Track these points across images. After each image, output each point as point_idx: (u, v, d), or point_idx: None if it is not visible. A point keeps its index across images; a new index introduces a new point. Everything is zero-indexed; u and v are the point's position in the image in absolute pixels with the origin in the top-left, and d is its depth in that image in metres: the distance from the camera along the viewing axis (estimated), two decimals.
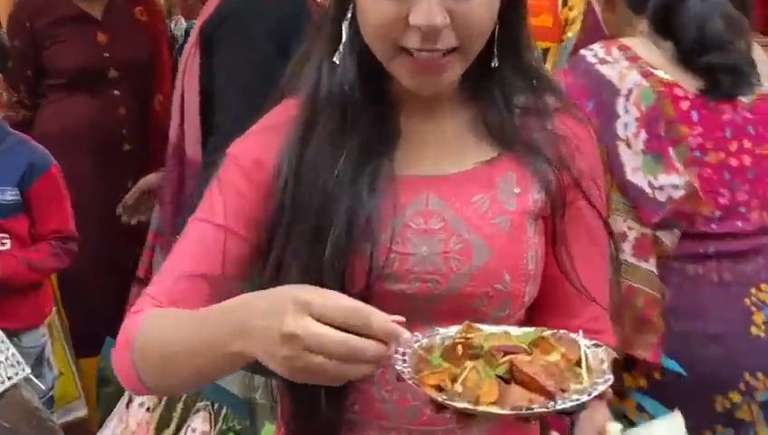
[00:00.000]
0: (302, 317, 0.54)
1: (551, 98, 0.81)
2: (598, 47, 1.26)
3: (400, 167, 0.78)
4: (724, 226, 1.21)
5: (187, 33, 2.92)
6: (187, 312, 0.69)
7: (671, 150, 1.19)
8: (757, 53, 1.28)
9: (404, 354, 0.63)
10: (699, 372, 1.14)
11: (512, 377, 0.61)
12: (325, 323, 0.54)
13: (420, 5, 0.68)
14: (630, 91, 1.20)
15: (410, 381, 0.61)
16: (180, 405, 1.59)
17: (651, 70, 1.21)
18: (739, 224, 1.22)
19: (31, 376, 1.55)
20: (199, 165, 1.71)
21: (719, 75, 1.19)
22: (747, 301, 1.19)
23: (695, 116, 1.21)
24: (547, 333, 0.67)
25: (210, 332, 0.63)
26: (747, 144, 1.22)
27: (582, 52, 1.29)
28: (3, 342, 1.50)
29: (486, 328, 0.67)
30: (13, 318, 1.78)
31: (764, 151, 1.23)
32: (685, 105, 1.20)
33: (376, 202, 0.73)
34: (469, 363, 0.62)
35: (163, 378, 0.72)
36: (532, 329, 0.69)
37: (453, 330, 0.67)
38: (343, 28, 0.76)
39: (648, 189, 1.17)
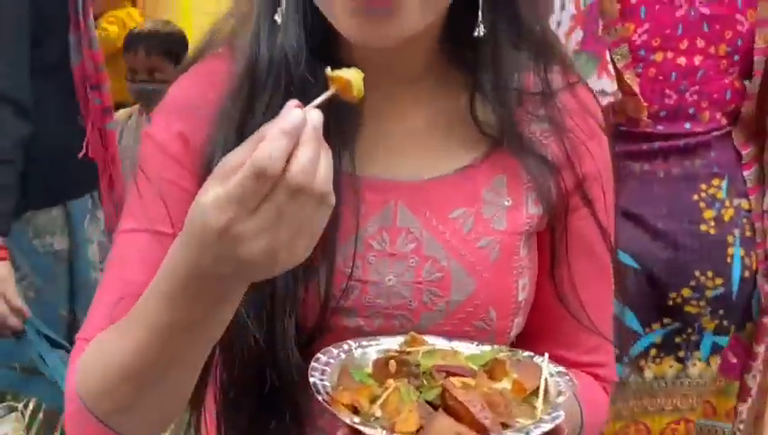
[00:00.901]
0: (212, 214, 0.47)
1: (557, 75, 0.69)
2: None
3: (361, 166, 0.66)
4: (671, 127, 1.23)
5: None
6: (127, 317, 0.57)
7: (608, 53, 1.20)
8: None
9: (326, 364, 0.57)
10: (651, 270, 1.20)
11: (443, 404, 0.55)
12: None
13: None
14: None
15: (320, 397, 0.54)
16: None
17: None
18: (687, 126, 1.23)
19: None
20: None
21: None
22: (696, 196, 1.21)
23: (643, 12, 1.20)
24: (503, 354, 0.61)
25: (166, 309, 0.53)
26: (700, 43, 1.21)
27: None
28: None
29: (434, 341, 0.62)
30: None
31: (719, 51, 1.21)
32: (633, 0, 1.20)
33: (336, 209, 0.57)
34: (391, 383, 0.55)
35: (140, 405, 0.59)
36: (489, 348, 0.63)
37: (396, 341, 0.61)
38: None
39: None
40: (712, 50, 1.22)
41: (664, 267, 1.23)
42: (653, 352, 1.26)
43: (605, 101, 1.19)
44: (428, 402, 0.55)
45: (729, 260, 1.23)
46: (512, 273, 0.67)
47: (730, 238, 1.24)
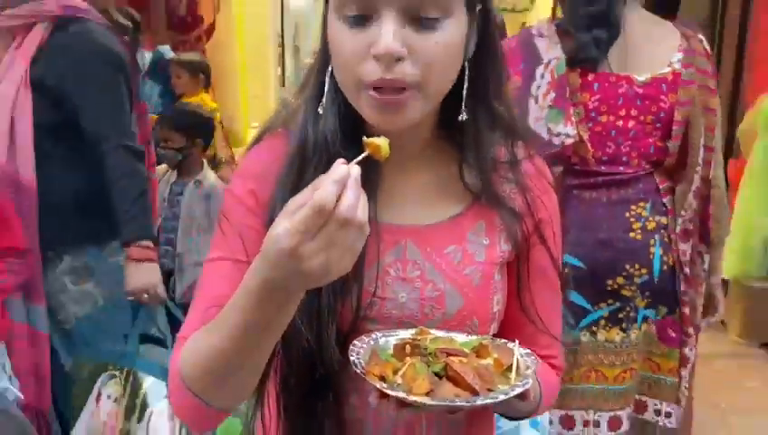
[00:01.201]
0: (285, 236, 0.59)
1: (520, 148, 0.85)
2: (543, 23, 1.66)
3: (381, 214, 0.81)
4: (610, 168, 1.61)
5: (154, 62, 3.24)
6: (215, 319, 0.70)
7: (571, 109, 1.56)
8: (656, 30, 1.60)
9: (361, 348, 0.72)
10: (594, 265, 1.45)
11: (445, 374, 0.69)
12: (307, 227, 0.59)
13: (380, 36, 0.70)
14: (550, 62, 1.58)
15: (358, 370, 0.68)
16: (144, 391, 1.77)
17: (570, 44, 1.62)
18: (621, 168, 1.61)
19: (9, 386, 1.60)
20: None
21: (584, 42, 1.56)
22: (628, 214, 1.61)
23: (596, 87, 1.58)
24: (486, 341, 0.76)
25: (244, 312, 0.65)
26: (633, 112, 1.58)
27: (532, 24, 1.74)
28: None
29: (436, 332, 0.75)
30: None
31: (647, 119, 1.59)
32: (591, 77, 1.57)
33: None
34: (409, 360, 0.70)
35: (227, 384, 0.72)
36: (476, 337, 0.77)
37: (409, 332, 0.75)
38: (326, 80, 0.79)
39: (546, 135, 1.56)
40: (642, 118, 1.59)
41: (604, 263, 1.61)
42: (602, 322, 1.64)
43: (568, 141, 1.56)
44: (435, 374, 0.70)
45: (651, 257, 1.61)
46: (489, 292, 0.83)
47: (651, 241, 1.61)
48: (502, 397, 0.68)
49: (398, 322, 0.81)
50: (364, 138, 0.67)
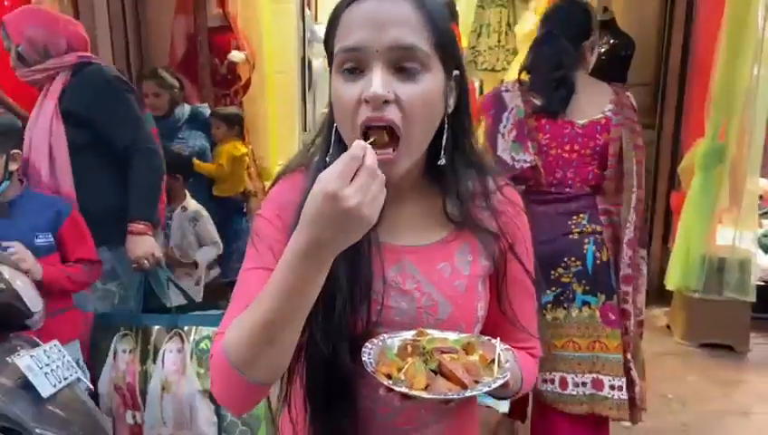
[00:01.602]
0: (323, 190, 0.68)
1: (492, 179, 0.94)
2: (509, 82, 2.17)
3: (387, 236, 0.89)
4: (558, 189, 2.06)
5: (194, 114, 3.59)
6: (256, 299, 0.74)
7: (529, 143, 2.03)
8: (594, 88, 2.07)
9: (371, 349, 0.78)
10: (541, 258, 1.87)
11: (440, 371, 0.76)
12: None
13: (370, 84, 0.77)
14: (513, 109, 2.07)
15: (369, 369, 0.76)
16: (153, 338, 2.07)
17: (530, 97, 2.07)
18: (567, 189, 2.06)
19: (81, 377, 1.72)
20: (74, 198, 2.10)
21: (550, 99, 2.03)
22: (570, 222, 2.05)
23: (547, 127, 2.05)
24: (473, 339, 0.83)
25: (286, 276, 0.71)
26: (576, 147, 2.04)
27: (504, 83, 2.35)
28: (60, 350, 1.66)
29: (432, 332, 0.83)
30: (55, 335, 1.82)
31: (585, 153, 2.04)
32: (543, 120, 2.04)
33: (369, 265, 0.85)
34: (410, 359, 0.77)
35: (268, 354, 0.74)
36: (465, 335, 0.84)
37: (411, 333, 0.83)
38: (333, 134, 0.86)
39: (510, 161, 2.04)
40: (582, 151, 2.05)
41: (548, 257, 2.00)
42: (549, 306, 2.04)
43: (526, 165, 2.04)
44: (432, 371, 0.76)
45: (584, 252, 2.02)
46: (474, 300, 0.90)
47: (586, 241, 2.03)
48: (486, 389, 0.75)
49: (400, 325, 0.86)
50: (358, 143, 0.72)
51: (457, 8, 6.57)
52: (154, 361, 2.03)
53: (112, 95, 2.16)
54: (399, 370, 0.76)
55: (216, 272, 3.67)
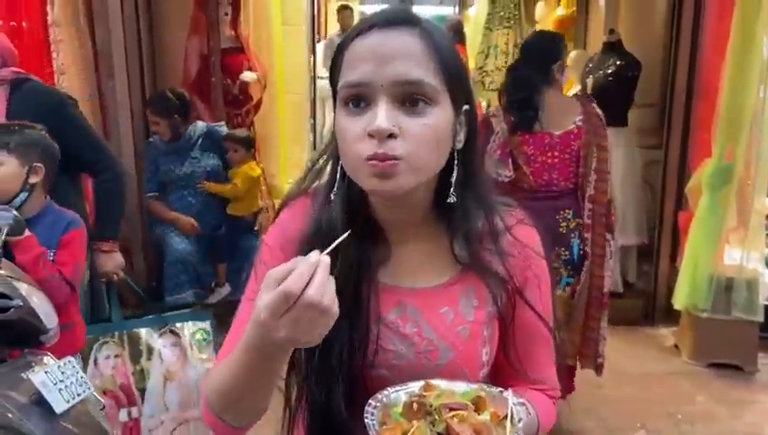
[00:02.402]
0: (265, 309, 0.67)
1: (504, 217, 0.91)
2: (494, 108, 2.65)
3: (389, 277, 0.88)
4: (546, 188, 2.49)
5: (209, 133, 3.65)
6: (229, 356, 0.79)
7: (510, 159, 2.48)
8: (565, 104, 2.56)
9: (375, 408, 0.76)
10: None
11: (447, 433, 0.73)
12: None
13: (375, 118, 0.76)
14: (498, 131, 2.51)
15: (371, 433, 0.74)
16: (143, 339, 2.20)
17: (511, 118, 2.51)
18: (553, 188, 2.51)
19: (94, 393, 1.70)
20: None
21: (521, 118, 2.49)
22: (558, 217, 2.50)
23: (530, 140, 2.49)
24: (483, 391, 0.79)
25: (241, 359, 0.76)
26: (556, 153, 2.49)
27: (490, 109, 2.99)
28: (74, 366, 1.64)
29: (439, 384, 0.80)
30: (54, 351, 1.79)
31: (564, 157, 2.50)
32: (526, 135, 2.48)
33: (365, 308, 0.84)
34: (416, 423, 0.74)
35: (235, 408, 0.80)
36: (475, 386, 0.81)
37: (417, 386, 0.80)
38: (338, 169, 0.84)
39: (494, 176, 2.43)
40: (562, 156, 2.51)
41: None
42: None
43: (506, 179, 2.47)
44: (438, 433, 0.73)
45: (571, 244, 2.51)
46: (478, 346, 0.87)
47: (572, 235, 2.51)
48: None
49: (398, 369, 0.85)
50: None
51: (465, 30, 6.69)
52: (149, 358, 2.19)
53: (64, 111, 2.23)
54: (405, 433, 0.74)
55: (226, 290, 3.74)
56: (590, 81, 4.01)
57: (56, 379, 1.57)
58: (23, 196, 1.95)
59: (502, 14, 6.33)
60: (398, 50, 0.77)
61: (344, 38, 0.82)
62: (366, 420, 0.74)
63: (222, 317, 3.85)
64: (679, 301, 3.47)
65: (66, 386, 1.58)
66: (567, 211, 2.51)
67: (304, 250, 0.78)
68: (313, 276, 0.66)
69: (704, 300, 3.36)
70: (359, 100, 0.78)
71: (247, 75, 3.97)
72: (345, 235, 0.73)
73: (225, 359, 0.80)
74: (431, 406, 0.75)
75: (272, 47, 4.21)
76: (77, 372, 1.66)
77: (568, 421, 2.90)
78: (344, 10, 7.36)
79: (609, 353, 3.59)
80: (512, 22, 6.26)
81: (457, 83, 0.81)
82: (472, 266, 0.87)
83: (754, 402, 3.18)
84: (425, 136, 0.77)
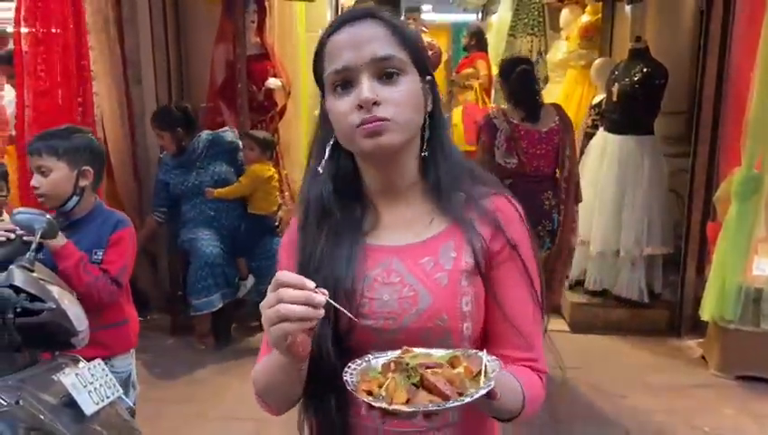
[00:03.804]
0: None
1: (487, 186, 1.01)
2: (495, 111, 3.43)
3: (377, 239, 0.98)
4: (535, 174, 3.19)
5: (211, 142, 3.68)
6: (266, 358, 0.97)
7: (514, 150, 3.17)
8: (546, 107, 3.29)
9: (354, 370, 0.80)
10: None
11: (421, 385, 0.76)
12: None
13: (360, 92, 0.90)
14: (502, 129, 3.20)
15: (349, 387, 0.77)
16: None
17: (510, 119, 3.21)
18: (540, 174, 3.20)
19: (122, 396, 1.73)
20: None
21: (525, 114, 3.22)
22: (543, 196, 3.20)
23: (525, 136, 3.18)
24: (459, 352, 0.82)
25: (273, 364, 0.92)
26: (543, 146, 3.18)
27: (491, 111, 3.56)
28: (103, 369, 1.68)
29: (417, 350, 0.83)
30: (107, 347, 2.00)
31: (549, 149, 3.19)
32: (522, 131, 3.17)
33: (351, 269, 0.94)
34: (390, 375, 0.77)
35: (273, 397, 0.97)
36: (450, 351, 0.83)
37: (396, 353, 0.82)
38: (326, 148, 0.97)
39: (504, 164, 3.16)
40: (547, 148, 3.20)
41: (533, 220, 2.82)
42: None
43: (512, 165, 3.19)
44: (413, 385, 0.76)
45: (552, 217, 3.21)
46: (456, 293, 0.93)
47: (554, 211, 3.22)
48: (468, 399, 0.74)
49: (384, 316, 0.93)
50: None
51: (487, 37, 6.69)
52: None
53: None
54: (381, 386, 0.77)
55: (250, 281, 3.82)
56: (615, 88, 3.97)
57: (86, 381, 1.60)
58: (74, 199, 2.01)
59: (526, 21, 6.33)
60: (369, 35, 0.92)
61: (321, 37, 0.97)
62: (345, 378, 0.79)
63: (244, 318, 3.97)
64: (706, 312, 3.43)
65: (95, 388, 1.62)
66: (549, 192, 3.21)
67: (301, 223, 0.99)
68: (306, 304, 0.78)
69: (732, 311, 3.32)
70: (345, 82, 0.92)
71: (272, 82, 4.03)
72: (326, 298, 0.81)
73: (265, 360, 0.96)
74: (407, 364, 0.78)
75: (296, 54, 4.26)
76: (106, 375, 1.69)
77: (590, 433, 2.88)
78: None
79: (634, 364, 3.63)
80: (536, 29, 6.25)
81: (419, 56, 0.96)
82: (453, 222, 0.97)
83: None
84: (402, 99, 0.91)
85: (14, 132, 3.60)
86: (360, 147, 0.92)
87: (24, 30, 3.00)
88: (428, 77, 0.98)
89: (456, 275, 0.94)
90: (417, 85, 0.94)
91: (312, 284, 0.79)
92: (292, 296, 0.77)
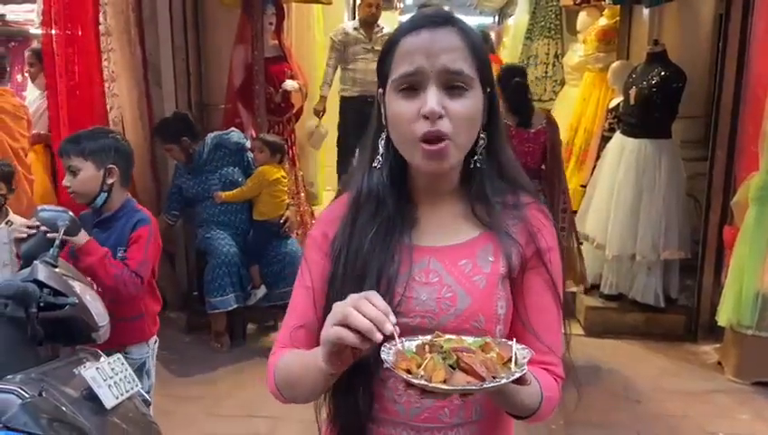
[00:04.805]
0: None
1: (525, 196, 1.03)
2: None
3: (417, 239, 0.99)
4: (524, 167, 3.44)
5: (216, 145, 3.71)
6: (299, 352, 0.97)
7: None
8: (535, 112, 3.53)
9: (390, 349, 0.80)
10: None
11: (458, 366, 0.78)
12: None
13: (426, 102, 0.90)
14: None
15: (388, 365, 0.78)
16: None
17: (504, 120, 2.88)
18: (528, 169, 3.10)
19: (141, 389, 1.76)
20: None
21: (518, 120, 3.44)
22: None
23: (515, 135, 3.37)
24: (489, 339, 0.84)
25: (308, 363, 0.91)
26: (530, 144, 3.47)
27: None
28: (123, 363, 1.72)
29: (449, 336, 0.85)
30: (125, 336, 2.09)
31: (535, 147, 3.46)
32: (514, 131, 3.38)
33: (395, 266, 0.95)
34: (429, 355, 0.79)
35: (293, 391, 0.98)
36: (481, 338, 0.85)
37: (428, 337, 0.84)
38: (380, 144, 0.99)
39: None
40: (533, 146, 3.43)
41: None
42: None
43: None
44: (450, 366, 0.78)
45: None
46: (493, 296, 0.95)
47: (540, 197, 3.08)
48: (504, 380, 0.77)
49: (421, 315, 0.94)
50: None
51: (505, 39, 6.69)
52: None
53: None
54: (419, 365, 0.79)
55: (261, 292, 3.79)
56: (632, 91, 3.95)
57: (106, 375, 1.63)
58: (103, 196, 2.13)
59: (543, 24, 6.32)
60: (445, 44, 0.93)
61: (394, 36, 0.97)
62: (382, 356, 0.80)
63: (257, 320, 4.00)
64: (723, 317, 3.40)
65: (115, 382, 1.64)
66: (535, 180, 3.39)
67: (351, 213, 0.99)
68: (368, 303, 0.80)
69: (749, 317, 3.30)
70: (412, 87, 0.92)
71: (289, 84, 4.06)
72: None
73: (296, 356, 0.96)
74: (442, 347, 0.81)
75: (313, 56, 4.29)
76: (126, 369, 1.72)
77: None
78: None
79: (649, 369, 3.60)
80: (552, 32, 6.23)
81: (486, 72, 0.97)
82: (491, 227, 0.98)
83: None
84: (465, 114, 0.92)
85: (41, 132, 3.72)
86: (417, 163, 0.94)
87: (53, 32, 3.06)
88: (489, 90, 0.98)
89: (494, 278, 0.96)
90: (480, 100, 0.96)
91: (393, 319, 0.79)
92: (367, 311, 0.78)
